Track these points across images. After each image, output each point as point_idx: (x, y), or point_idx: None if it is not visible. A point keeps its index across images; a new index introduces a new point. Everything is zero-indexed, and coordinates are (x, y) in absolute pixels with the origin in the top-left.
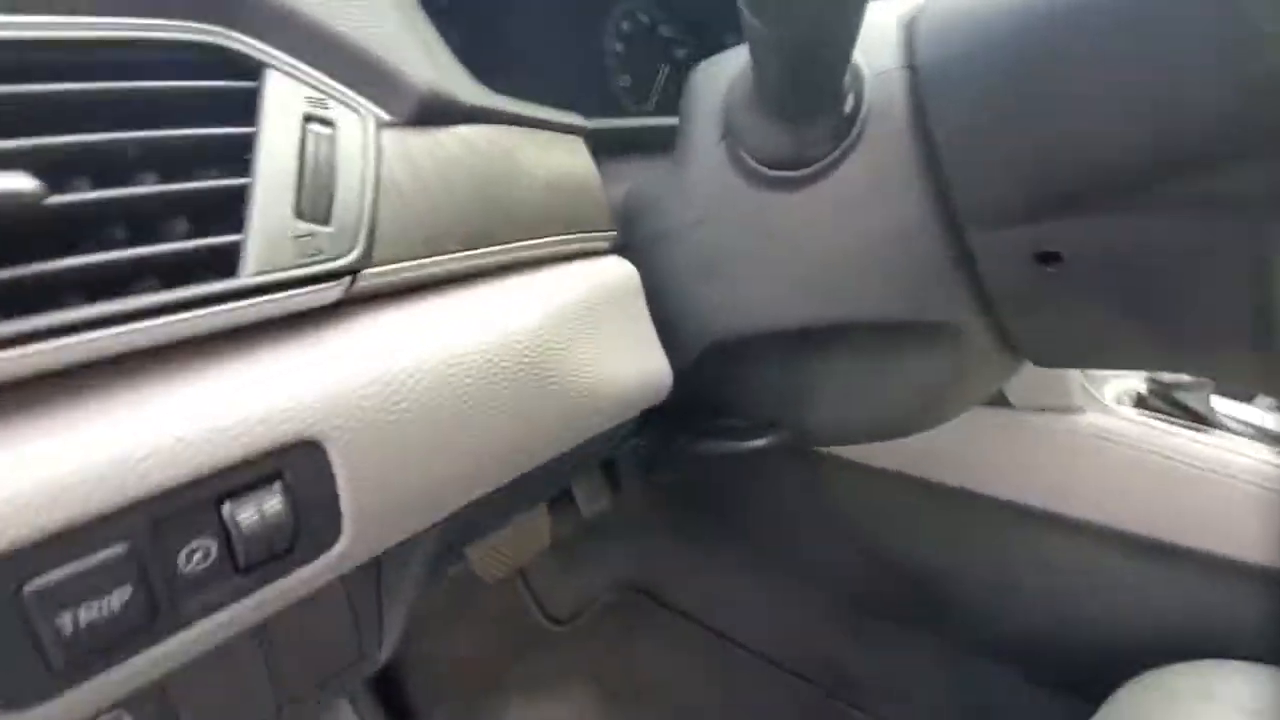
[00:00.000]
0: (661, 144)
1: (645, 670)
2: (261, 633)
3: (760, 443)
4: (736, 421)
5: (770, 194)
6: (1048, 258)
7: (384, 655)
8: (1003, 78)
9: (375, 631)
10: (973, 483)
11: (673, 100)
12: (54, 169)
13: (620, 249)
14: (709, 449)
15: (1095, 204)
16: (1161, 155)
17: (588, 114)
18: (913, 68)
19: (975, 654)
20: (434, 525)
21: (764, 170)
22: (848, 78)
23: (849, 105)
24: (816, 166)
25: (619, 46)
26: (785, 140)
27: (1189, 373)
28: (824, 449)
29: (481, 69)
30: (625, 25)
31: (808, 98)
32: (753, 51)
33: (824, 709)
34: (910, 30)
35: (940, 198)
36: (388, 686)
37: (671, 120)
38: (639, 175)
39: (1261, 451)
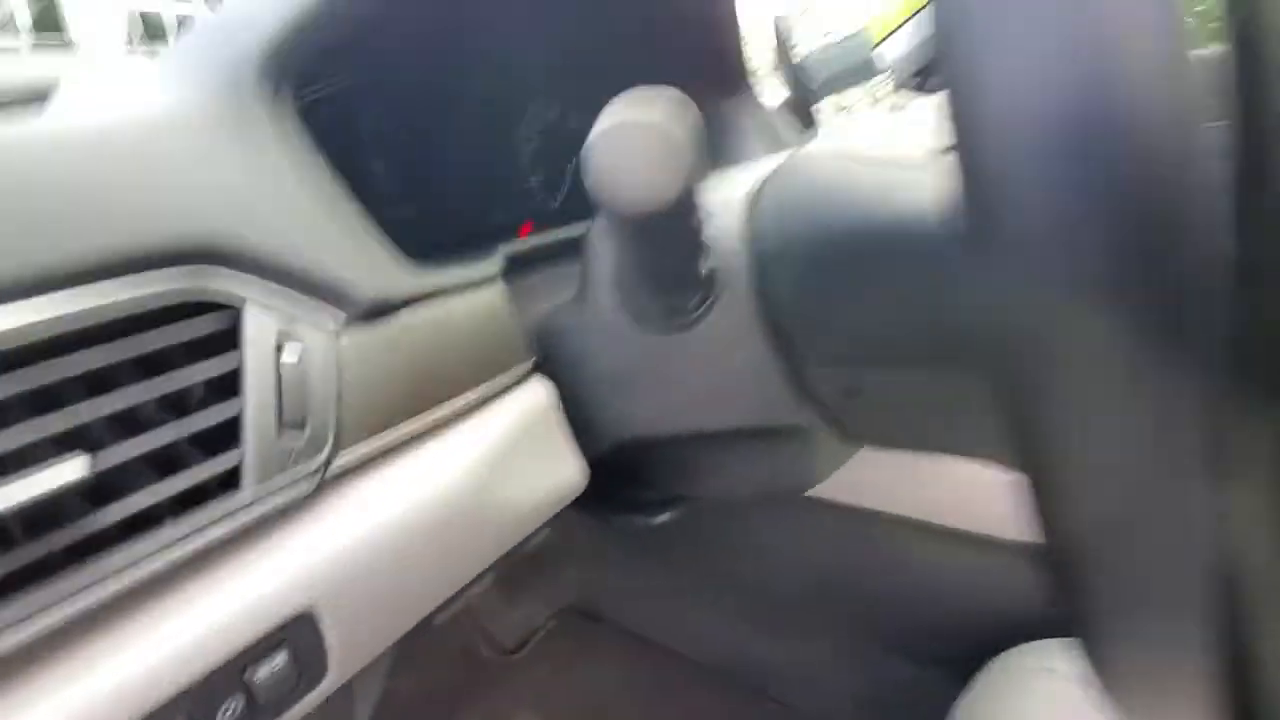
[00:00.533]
0: (570, 251)
1: (594, 693)
2: None
3: (664, 518)
4: (645, 495)
5: (654, 337)
6: (853, 391)
7: None
8: (817, 261)
9: None
10: (856, 500)
11: (581, 192)
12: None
13: (540, 362)
14: (622, 524)
15: (884, 364)
16: (921, 349)
17: (506, 213)
18: (754, 241)
19: (870, 643)
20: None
21: (647, 321)
22: (702, 252)
23: (705, 271)
24: (685, 320)
25: (531, 145)
26: (657, 305)
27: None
28: None
29: (406, 189)
30: (537, 124)
31: (669, 285)
32: (620, 254)
33: (754, 708)
34: (753, 207)
35: (783, 344)
36: None
37: (578, 228)
38: (550, 290)
39: None
